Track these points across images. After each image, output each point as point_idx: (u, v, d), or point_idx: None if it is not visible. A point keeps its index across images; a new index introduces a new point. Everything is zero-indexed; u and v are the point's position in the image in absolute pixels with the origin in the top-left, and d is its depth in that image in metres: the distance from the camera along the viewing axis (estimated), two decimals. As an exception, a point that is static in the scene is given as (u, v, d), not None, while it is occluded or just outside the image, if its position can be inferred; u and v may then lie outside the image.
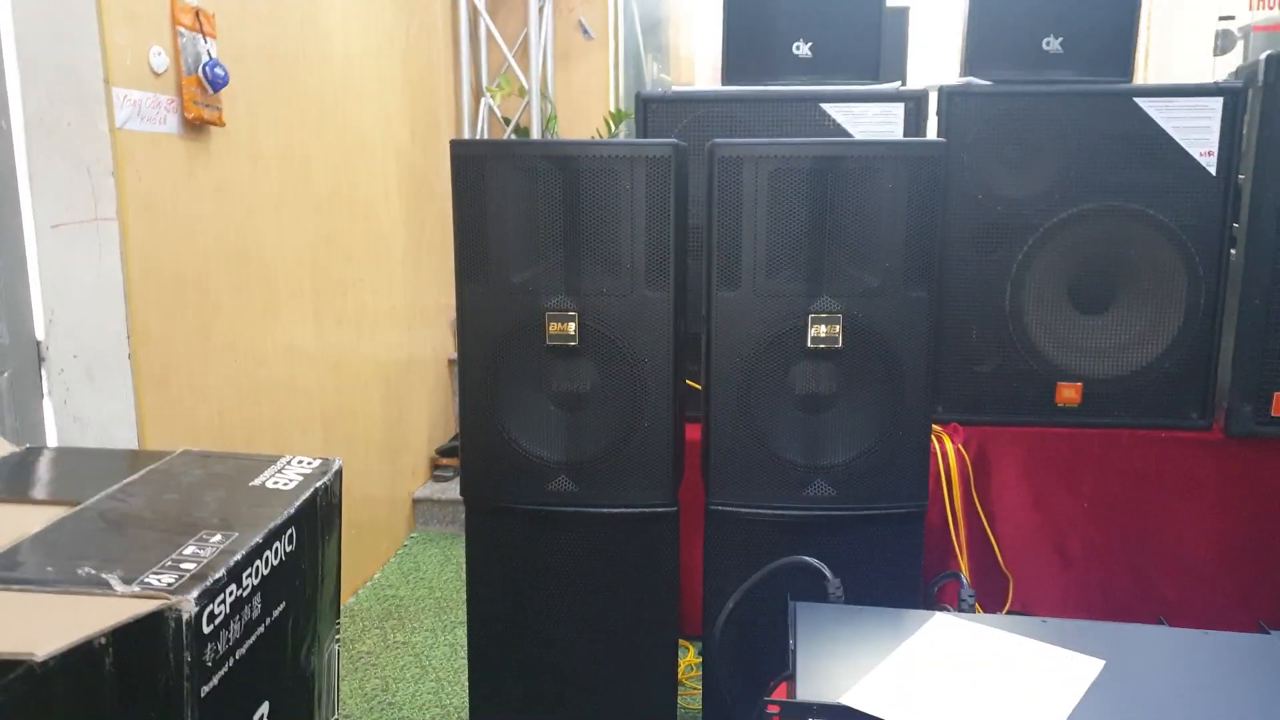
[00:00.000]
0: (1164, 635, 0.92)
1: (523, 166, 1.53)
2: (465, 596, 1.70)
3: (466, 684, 1.73)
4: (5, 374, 1.74)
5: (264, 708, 1.08)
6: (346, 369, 2.55)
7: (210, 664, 0.93)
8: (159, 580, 0.91)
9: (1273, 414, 2.14)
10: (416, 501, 3.00)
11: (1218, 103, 2.08)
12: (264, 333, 2.16)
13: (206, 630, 0.92)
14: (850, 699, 0.82)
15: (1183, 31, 3.44)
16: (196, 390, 1.94)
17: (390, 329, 2.83)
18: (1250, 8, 3.04)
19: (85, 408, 1.80)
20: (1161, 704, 0.75)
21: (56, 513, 1.07)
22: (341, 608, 2.46)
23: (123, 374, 1.78)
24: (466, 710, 1.74)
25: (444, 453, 3.14)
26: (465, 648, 1.76)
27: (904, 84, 2.60)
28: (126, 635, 0.84)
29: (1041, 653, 0.86)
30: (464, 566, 1.69)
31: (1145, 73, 3.57)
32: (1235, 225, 2.13)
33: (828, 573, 1.12)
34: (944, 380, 2.24)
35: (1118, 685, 0.81)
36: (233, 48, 2.01)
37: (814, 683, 0.84)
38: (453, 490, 2.99)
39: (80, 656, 0.80)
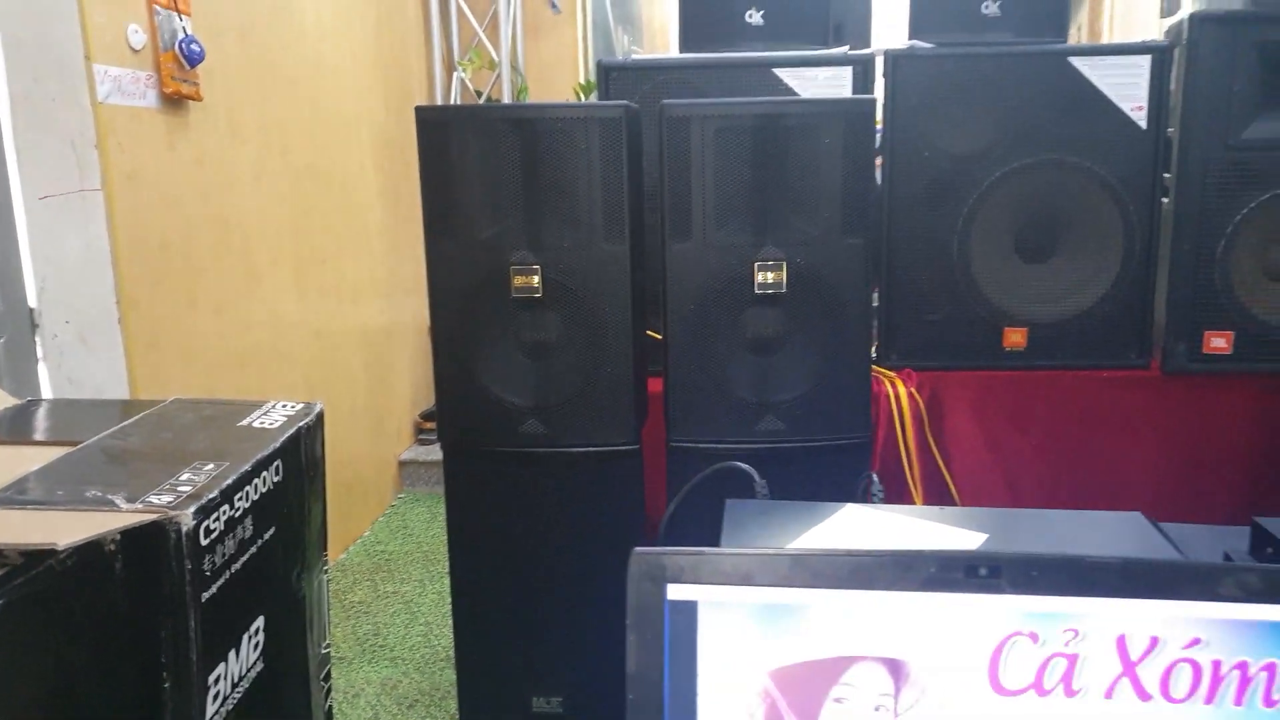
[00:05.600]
0: (1048, 515, 1.08)
1: (484, 130, 1.63)
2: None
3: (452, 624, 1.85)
4: (1, 340, 1.84)
5: (260, 621, 1.19)
6: (328, 336, 2.65)
7: (209, 573, 1.04)
8: (159, 499, 1.02)
9: (1204, 351, 2.27)
10: (402, 464, 3.11)
11: (1146, 60, 2.19)
12: (248, 300, 2.25)
13: (204, 542, 1.03)
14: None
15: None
16: (185, 353, 2.04)
17: (370, 298, 2.93)
18: (1196, -30, 3.14)
19: (79, 370, 1.90)
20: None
21: (59, 451, 1.17)
22: (332, 562, 2.58)
23: (114, 338, 1.88)
24: (453, 650, 1.86)
25: (427, 416, 3.25)
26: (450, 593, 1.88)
27: (861, 48, 2.70)
28: (133, 543, 0.95)
29: (932, 529, 0.99)
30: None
31: (1111, 34, 3.68)
32: (1166, 176, 2.25)
33: (755, 474, 1.24)
34: (897, 329, 2.35)
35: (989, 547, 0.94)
36: (208, 24, 2.09)
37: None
38: (437, 452, 3.08)
39: (94, 559, 0.91)
